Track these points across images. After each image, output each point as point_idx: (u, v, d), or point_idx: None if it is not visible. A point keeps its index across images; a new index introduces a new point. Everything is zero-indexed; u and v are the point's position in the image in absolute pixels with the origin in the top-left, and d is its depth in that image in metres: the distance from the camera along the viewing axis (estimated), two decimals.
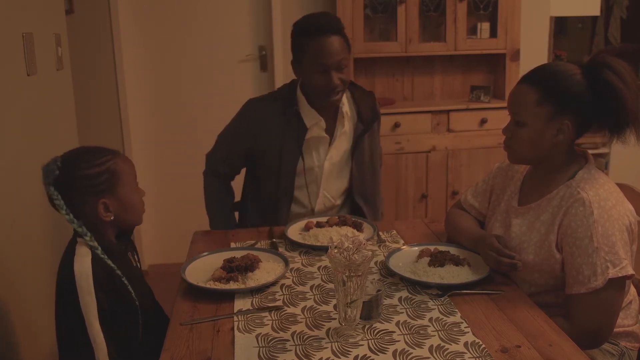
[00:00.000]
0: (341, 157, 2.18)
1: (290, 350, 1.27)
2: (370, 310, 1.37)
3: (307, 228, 1.94)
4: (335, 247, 1.28)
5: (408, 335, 1.32)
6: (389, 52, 3.51)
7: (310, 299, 1.50)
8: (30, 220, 1.98)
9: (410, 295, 1.51)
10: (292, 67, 2.10)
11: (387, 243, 1.87)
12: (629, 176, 2.85)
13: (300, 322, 1.39)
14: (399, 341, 1.29)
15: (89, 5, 3.38)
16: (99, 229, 1.46)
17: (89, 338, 1.36)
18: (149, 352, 1.49)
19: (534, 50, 3.79)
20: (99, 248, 1.41)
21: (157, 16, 3.57)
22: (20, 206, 1.89)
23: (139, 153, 3.65)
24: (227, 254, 1.68)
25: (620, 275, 1.42)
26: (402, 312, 1.42)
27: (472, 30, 3.62)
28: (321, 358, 1.24)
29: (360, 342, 1.29)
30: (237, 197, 2.40)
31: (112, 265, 1.42)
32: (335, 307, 1.44)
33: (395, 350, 1.26)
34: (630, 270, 1.44)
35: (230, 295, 1.51)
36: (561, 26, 4.30)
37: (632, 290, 1.63)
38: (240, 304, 1.48)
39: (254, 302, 1.49)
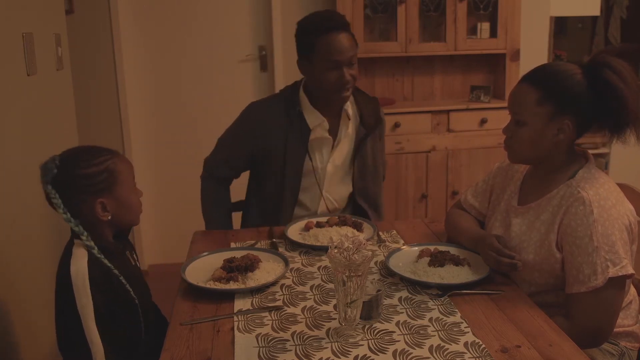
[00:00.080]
0: (344, 160, 2.17)
1: (290, 350, 1.27)
2: (370, 310, 1.37)
3: (307, 228, 1.94)
4: (335, 247, 1.28)
5: (408, 335, 1.32)
6: (389, 52, 3.51)
7: (310, 299, 1.50)
8: (30, 220, 1.98)
9: (410, 295, 1.51)
10: (298, 67, 2.09)
11: (387, 243, 1.87)
12: (629, 176, 2.85)
13: (300, 322, 1.39)
14: (399, 341, 1.29)
15: (89, 5, 3.38)
16: (96, 229, 1.46)
17: (87, 339, 1.36)
18: (149, 352, 1.49)
19: (534, 50, 3.79)
20: (96, 248, 1.41)
21: (157, 16, 3.57)
22: (20, 206, 1.89)
23: (139, 153, 3.65)
24: (227, 254, 1.68)
25: (620, 274, 1.42)
26: (402, 312, 1.42)
27: (472, 30, 3.62)
28: (321, 358, 1.24)
29: (360, 342, 1.29)
30: (237, 198, 2.40)
31: (109, 264, 1.42)
32: (335, 307, 1.44)
33: (395, 350, 1.26)
34: (630, 270, 1.44)
35: (230, 295, 1.51)
36: (561, 26, 4.30)
37: (632, 290, 1.63)
38: (240, 304, 1.48)
39: (254, 302, 1.49)
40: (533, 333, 1.32)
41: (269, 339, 1.31)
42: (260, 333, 1.34)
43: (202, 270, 1.62)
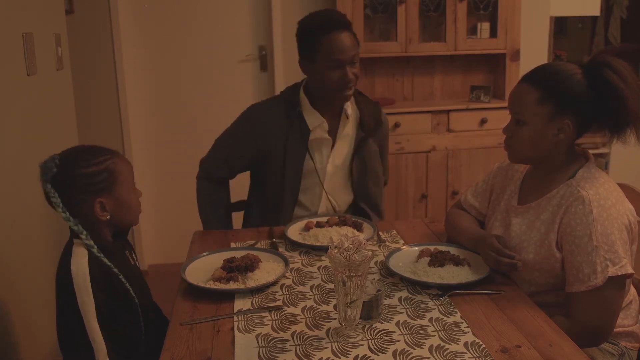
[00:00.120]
0: (343, 160, 2.17)
1: (290, 350, 1.27)
2: (370, 310, 1.37)
3: (307, 228, 1.94)
4: (335, 247, 1.28)
5: (408, 335, 1.32)
6: (389, 52, 3.51)
7: (310, 299, 1.50)
8: (30, 220, 1.98)
9: (410, 295, 1.51)
10: (300, 67, 2.09)
11: (387, 243, 1.87)
12: (629, 176, 2.85)
13: (300, 322, 1.39)
14: (399, 341, 1.29)
15: (89, 5, 3.38)
16: (95, 228, 1.46)
17: (88, 338, 1.36)
18: (149, 352, 1.49)
19: (534, 50, 3.79)
20: (95, 247, 1.42)
21: (157, 16, 3.57)
22: (20, 206, 1.89)
23: (139, 153, 3.65)
24: (227, 254, 1.68)
25: (619, 273, 1.42)
26: (402, 312, 1.42)
27: (472, 30, 3.62)
28: (321, 358, 1.24)
29: (360, 342, 1.29)
30: (237, 198, 2.40)
31: (109, 263, 1.42)
32: (335, 307, 1.44)
33: (395, 350, 1.26)
34: (629, 269, 1.44)
35: (230, 295, 1.51)
36: (561, 26, 4.30)
37: (632, 290, 1.63)
38: (240, 304, 1.48)
39: (254, 302, 1.49)
40: (533, 333, 1.32)
41: (269, 339, 1.31)
42: (260, 333, 1.34)
43: (202, 270, 1.62)
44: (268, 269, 1.61)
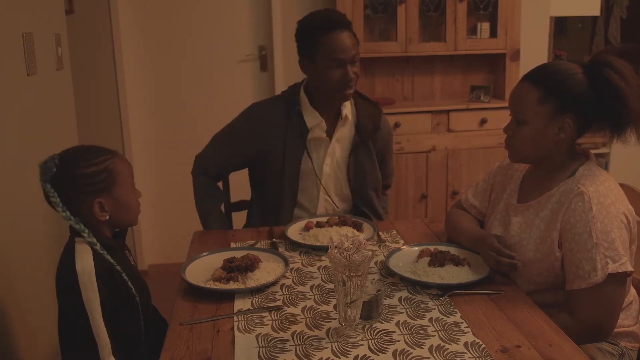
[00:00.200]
0: (340, 163, 2.16)
1: (290, 350, 1.27)
2: (370, 310, 1.37)
3: (307, 228, 1.94)
4: (335, 247, 1.28)
5: (408, 335, 1.31)
6: (389, 52, 3.51)
7: (310, 299, 1.50)
8: (30, 220, 1.98)
9: (410, 295, 1.51)
10: (300, 67, 2.09)
11: (387, 243, 1.87)
12: (629, 176, 2.84)
13: (300, 322, 1.38)
14: (399, 341, 1.29)
15: (89, 5, 3.38)
16: (95, 228, 1.46)
17: (90, 336, 1.36)
18: (149, 352, 1.49)
19: (534, 50, 3.79)
20: (98, 244, 1.42)
21: (157, 16, 3.57)
22: (20, 206, 1.89)
23: (139, 153, 3.65)
24: (227, 254, 1.68)
25: (620, 271, 1.42)
26: (402, 312, 1.42)
27: (472, 30, 3.62)
28: (321, 358, 1.24)
29: (360, 342, 1.29)
30: (237, 198, 2.40)
31: (112, 260, 1.43)
32: (335, 307, 1.44)
33: (395, 350, 1.26)
34: (629, 267, 1.44)
35: (230, 295, 1.51)
36: (561, 26, 4.30)
37: (632, 291, 1.63)
38: (240, 304, 1.48)
39: (254, 302, 1.49)
40: (533, 333, 1.32)
41: (269, 339, 1.31)
42: (260, 333, 1.34)
43: (202, 270, 1.62)
44: (268, 269, 1.61)
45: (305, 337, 1.32)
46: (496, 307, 1.44)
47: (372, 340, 1.30)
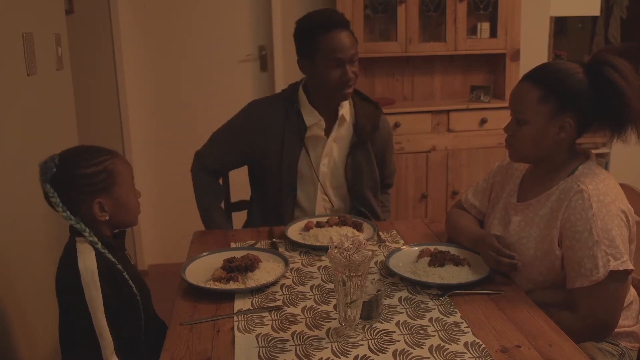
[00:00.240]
0: (337, 162, 2.16)
1: (290, 350, 1.27)
2: (370, 310, 1.36)
3: (307, 228, 1.94)
4: (335, 247, 1.28)
5: (408, 335, 1.31)
6: (389, 52, 3.50)
7: (310, 299, 1.50)
8: (30, 220, 1.98)
9: (410, 295, 1.51)
10: (299, 66, 2.09)
11: (387, 243, 1.87)
12: (629, 176, 2.84)
13: (300, 322, 1.38)
14: (399, 341, 1.29)
15: (89, 5, 3.38)
16: (94, 229, 1.46)
17: (91, 336, 1.36)
18: (149, 352, 1.49)
19: (534, 50, 3.79)
20: (99, 243, 1.42)
21: (157, 16, 3.57)
22: (20, 206, 1.89)
23: (139, 153, 3.65)
24: (227, 254, 1.68)
25: (621, 269, 1.43)
26: (402, 312, 1.42)
27: (472, 30, 3.62)
28: (321, 358, 1.24)
29: (360, 342, 1.29)
30: (237, 198, 2.40)
31: (113, 259, 1.43)
32: (335, 307, 1.44)
33: (395, 350, 1.26)
34: (630, 266, 1.45)
35: (230, 295, 1.51)
36: (561, 26, 4.29)
37: (633, 291, 1.63)
38: (240, 304, 1.48)
39: (254, 302, 1.49)
40: (533, 333, 1.32)
41: (269, 339, 1.31)
42: (260, 333, 1.34)
43: (202, 270, 1.62)
44: (268, 269, 1.61)
45: (305, 337, 1.32)
46: (496, 307, 1.44)
47: (372, 340, 1.30)
